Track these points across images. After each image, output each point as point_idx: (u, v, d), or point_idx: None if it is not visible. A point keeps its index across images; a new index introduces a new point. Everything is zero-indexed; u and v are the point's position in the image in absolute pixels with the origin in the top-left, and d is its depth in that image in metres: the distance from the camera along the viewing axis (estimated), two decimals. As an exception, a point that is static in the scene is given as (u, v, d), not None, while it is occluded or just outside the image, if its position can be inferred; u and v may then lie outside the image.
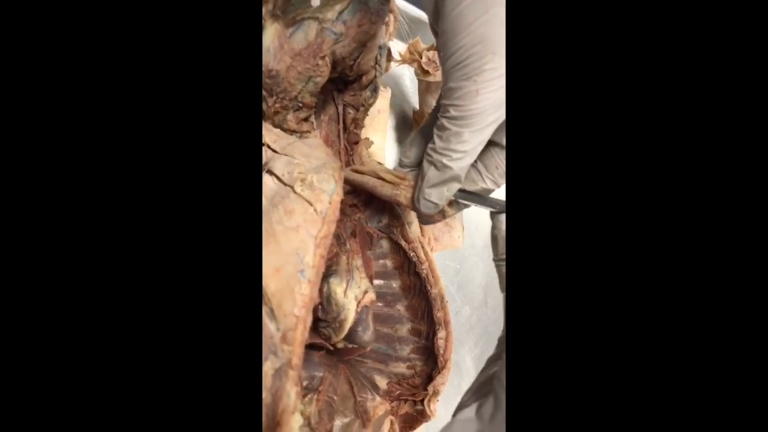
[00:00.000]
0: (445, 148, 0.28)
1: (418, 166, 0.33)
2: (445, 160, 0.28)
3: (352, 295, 0.31)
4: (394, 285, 0.39)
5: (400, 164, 0.34)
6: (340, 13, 0.35)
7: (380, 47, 0.38)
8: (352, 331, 0.31)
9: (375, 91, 0.40)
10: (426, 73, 0.45)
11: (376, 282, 0.38)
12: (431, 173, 0.29)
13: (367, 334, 0.32)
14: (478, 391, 0.24)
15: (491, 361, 0.27)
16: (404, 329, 0.39)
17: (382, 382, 0.38)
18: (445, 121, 0.27)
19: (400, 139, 0.49)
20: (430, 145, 0.29)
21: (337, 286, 0.31)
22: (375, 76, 0.39)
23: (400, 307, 0.39)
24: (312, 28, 0.35)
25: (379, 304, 0.38)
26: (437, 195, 0.30)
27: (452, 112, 0.26)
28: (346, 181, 0.34)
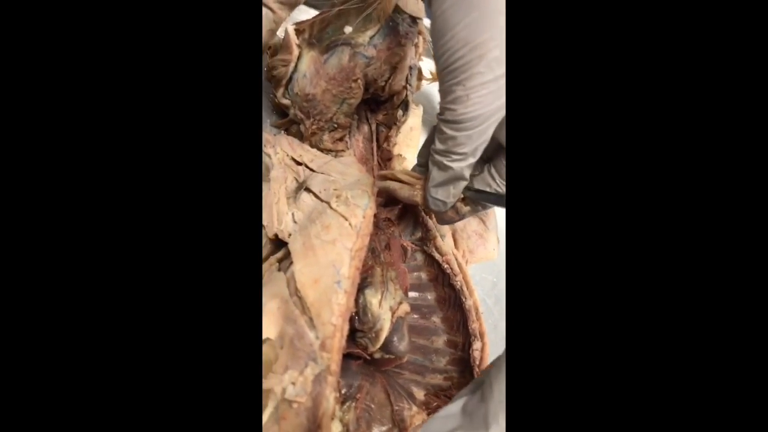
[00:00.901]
0: (444, 150, 0.28)
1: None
2: (446, 161, 0.29)
3: (387, 306, 0.32)
4: (429, 297, 0.39)
5: (418, 164, 0.35)
6: (372, 37, 0.37)
7: (410, 67, 0.39)
8: (388, 341, 0.32)
9: (407, 109, 0.41)
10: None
11: (412, 294, 0.39)
12: (435, 173, 0.30)
13: (402, 344, 0.32)
14: (469, 390, 0.24)
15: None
16: (440, 341, 0.39)
17: (419, 394, 0.39)
18: (442, 124, 0.28)
19: (433, 154, 0.51)
20: (432, 146, 0.29)
21: (373, 298, 0.32)
22: (406, 95, 0.41)
23: (436, 319, 0.39)
24: (345, 53, 0.37)
25: (415, 315, 0.39)
26: (443, 194, 0.31)
27: (447, 116, 0.27)
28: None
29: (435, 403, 0.37)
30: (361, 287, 0.33)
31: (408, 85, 0.40)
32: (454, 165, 0.28)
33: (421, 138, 0.46)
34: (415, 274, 0.39)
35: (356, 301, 0.33)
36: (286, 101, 0.39)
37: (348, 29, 0.37)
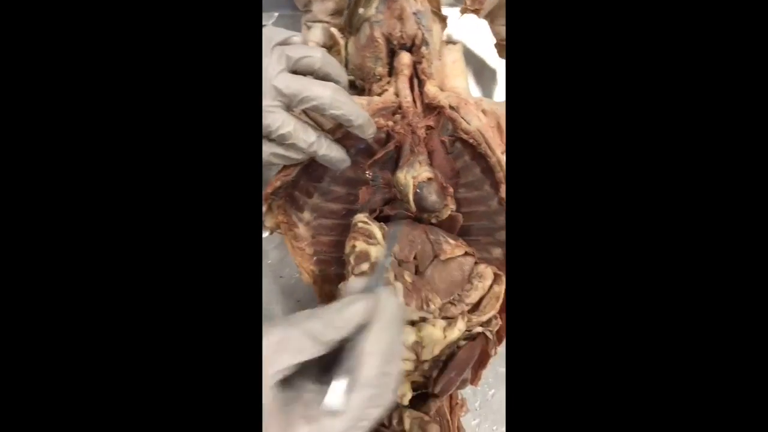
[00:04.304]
0: None
1: None
2: None
3: (410, 176, 0.45)
4: (476, 171, 0.49)
5: None
6: (376, 7, 0.52)
7: (415, 13, 0.52)
8: (419, 200, 0.45)
9: (428, 45, 0.53)
10: (477, 11, 0.56)
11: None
12: None
13: (430, 199, 0.45)
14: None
15: None
16: (494, 203, 0.49)
17: (497, 252, 0.49)
18: None
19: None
20: None
21: (400, 174, 0.46)
22: (423, 35, 0.53)
23: (487, 188, 0.49)
24: (366, 27, 0.53)
25: (462, 190, 0.49)
26: None
27: None
28: None
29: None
30: (396, 170, 0.47)
31: (421, 26, 0.53)
32: None
33: (464, 68, 0.57)
34: (461, 159, 0.50)
35: (395, 183, 0.47)
36: (351, 77, 0.57)
37: (361, 10, 0.53)
